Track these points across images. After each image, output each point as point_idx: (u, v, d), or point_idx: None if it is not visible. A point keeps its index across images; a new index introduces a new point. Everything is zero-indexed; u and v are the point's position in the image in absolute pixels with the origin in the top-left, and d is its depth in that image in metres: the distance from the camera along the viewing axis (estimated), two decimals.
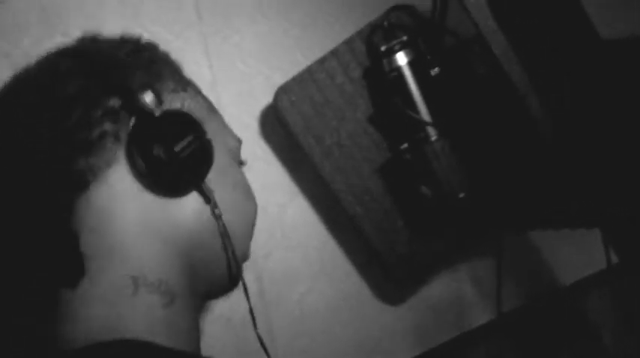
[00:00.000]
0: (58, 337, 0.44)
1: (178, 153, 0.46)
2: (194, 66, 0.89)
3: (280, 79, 0.95)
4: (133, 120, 0.47)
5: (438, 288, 1.01)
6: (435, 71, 0.68)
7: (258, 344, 0.72)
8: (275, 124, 0.95)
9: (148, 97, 0.46)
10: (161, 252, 0.46)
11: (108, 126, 0.46)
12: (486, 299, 0.99)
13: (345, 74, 0.83)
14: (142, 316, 0.43)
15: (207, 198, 0.48)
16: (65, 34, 0.82)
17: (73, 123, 0.45)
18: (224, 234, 0.50)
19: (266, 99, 0.92)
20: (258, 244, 0.94)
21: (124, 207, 0.46)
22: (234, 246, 0.51)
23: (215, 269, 0.52)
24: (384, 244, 0.85)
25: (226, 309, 0.91)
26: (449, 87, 0.69)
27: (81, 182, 0.45)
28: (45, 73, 0.49)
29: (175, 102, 0.50)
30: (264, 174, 0.93)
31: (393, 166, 0.79)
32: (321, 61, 0.84)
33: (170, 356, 0.43)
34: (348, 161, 0.84)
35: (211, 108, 0.55)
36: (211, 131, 0.51)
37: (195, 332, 0.49)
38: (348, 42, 0.82)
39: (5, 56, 0.78)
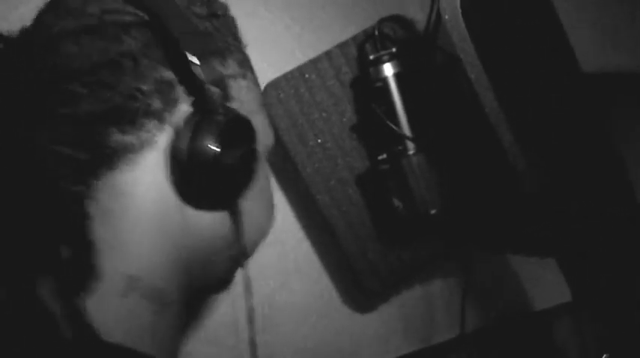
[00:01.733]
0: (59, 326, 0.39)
1: (227, 166, 0.39)
2: None
3: (274, 74, 0.95)
4: (187, 105, 0.41)
5: (407, 300, 1.01)
6: (420, 86, 0.68)
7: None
8: None
9: (216, 93, 0.39)
10: (166, 257, 0.41)
11: (156, 103, 0.40)
12: (454, 316, 0.99)
13: (336, 77, 0.83)
14: (128, 320, 0.39)
15: (236, 221, 0.43)
16: None
17: (116, 91, 0.38)
18: (239, 256, 0.46)
19: None
20: None
21: (144, 198, 0.40)
22: (244, 257, 0.47)
23: (213, 275, 0.48)
24: (356, 251, 0.86)
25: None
26: (432, 103, 0.69)
27: (110, 159, 0.39)
28: (97, 17, 0.39)
29: (231, 90, 0.43)
30: None
31: (371, 175, 0.79)
32: (314, 61, 0.84)
33: None
34: (329, 164, 0.84)
35: (262, 100, 0.49)
36: (258, 128, 0.44)
37: (179, 338, 0.45)
38: (342, 46, 0.82)
39: None
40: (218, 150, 0.39)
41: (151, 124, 0.40)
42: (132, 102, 0.38)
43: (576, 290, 0.58)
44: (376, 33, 0.76)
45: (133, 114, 0.39)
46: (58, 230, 0.41)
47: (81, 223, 0.39)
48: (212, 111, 0.39)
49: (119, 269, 0.39)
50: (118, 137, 0.39)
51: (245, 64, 0.46)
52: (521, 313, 1.05)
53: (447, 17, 0.55)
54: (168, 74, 0.40)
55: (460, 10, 0.56)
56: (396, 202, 0.72)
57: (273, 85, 0.83)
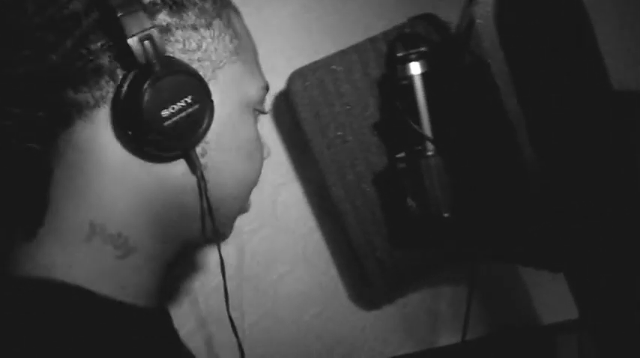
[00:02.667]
0: (17, 269, 0.43)
1: (165, 120, 0.40)
2: None
3: (302, 62, 0.95)
4: (130, 70, 0.41)
5: (412, 301, 1.01)
6: (445, 87, 0.67)
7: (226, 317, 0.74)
8: (284, 105, 0.95)
9: (147, 47, 0.40)
10: (131, 206, 0.44)
11: (106, 60, 0.41)
12: (457, 322, 0.99)
13: (363, 71, 0.82)
14: (89, 263, 0.43)
15: (194, 169, 0.45)
16: None
17: (67, 49, 0.40)
18: (207, 208, 0.47)
19: (282, 79, 0.92)
20: (247, 218, 0.95)
21: (105, 152, 0.43)
22: (220, 212, 0.48)
23: (191, 227, 0.49)
24: (365, 247, 0.85)
25: (201, 276, 0.93)
26: (455, 105, 0.68)
27: (66, 117, 0.42)
28: None
29: (190, 41, 0.44)
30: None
31: (388, 173, 0.79)
32: (342, 53, 0.83)
33: (102, 305, 0.43)
34: (348, 157, 0.84)
35: (239, 48, 0.48)
36: (228, 79, 0.46)
37: (150, 286, 0.48)
38: (372, 40, 0.82)
39: None
40: (152, 105, 0.40)
41: (103, 81, 0.41)
42: (80, 61, 0.40)
43: (583, 308, 0.58)
44: (407, 30, 0.75)
45: (83, 73, 0.41)
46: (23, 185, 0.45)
47: (46, 178, 0.43)
48: (146, 66, 0.40)
49: (83, 217, 0.43)
50: (71, 95, 0.41)
51: (211, 12, 0.46)
52: (526, 325, 1.04)
53: (479, 21, 0.54)
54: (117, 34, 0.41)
55: (493, 15, 0.55)
56: (410, 202, 0.71)
57: (299, 73, 0.83)
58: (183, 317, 0.91)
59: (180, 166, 0.45)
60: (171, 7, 0.43)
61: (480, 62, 0.58)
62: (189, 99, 0.42)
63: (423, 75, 0.70)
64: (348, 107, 0.82)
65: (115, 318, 0.44)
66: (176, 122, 0.41)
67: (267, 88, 0.53)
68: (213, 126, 0.45)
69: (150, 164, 0.44)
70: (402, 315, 1.02)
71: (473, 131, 0.68)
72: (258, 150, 0.51)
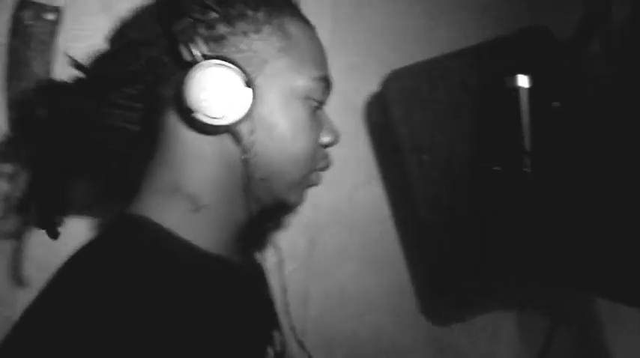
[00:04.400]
0: (134, 205, 0.58)
1: (204, 101, 0.53)
2: (316, 26, 0.90)
3: (396, 63, 0.94)
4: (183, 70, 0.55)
5: (480, 321, 0.99)
6: (554, 104, 0.65)
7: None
8: (376, 105, 0.95)
9: (186, 48, 0.54)
10: (200, 172, 0.57)
11: (174, 67, 0.55)
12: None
13: (461, 78, 0.81)
14: (173, 211, 0.57)
15: (237, 141, 0.56)
16: None
17: (151, 58, 0.56)
18: (249, 177, 0.58)
19: (374, 78, 0.92)
20: (322, 214, 0.96)
21: (180, 131, 0.57)
22: (272, 181, 0.59)
23: (247, 197, 0.60)
24: (441, 255, 0.84)
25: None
26: (561, 124, 0.66)
27: (156, 107, 0.57)
28: (138, 15, 0.60)
29: (241, 45, 0.56)
30: (350, 149, 0.94)
31: (479, 184, 0.77)
32: (442, 59, 0.82)
33: (181, 246, 0.56)
34: (436, 163, 0.82)
35: (288, 47, 0.59)
36: (274, 72, 0.57)
37: (221, 239, 0.60)
38: (476, 48, 0.80)
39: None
40: (195, 91, 0.53)
41: (173, 81, 0.55)
42: (161, 66, 0.56)
43: None
44: (516, 42, 0.73)
45: (164, 74, 0.56)
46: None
47: (145, 150, 0.59)
48: (188, 64, 0.53)
49: (169, 179, 0.57)
50: (159, 91, 0.56)
51: (260, 20, 0.57)
52: None
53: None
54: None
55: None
56: (510, 220, 0.69)
57: (397, 74, 0.83)
58: None
59: (233, 144, 0.57)
60: (227, 21, 0.56)
61: (597, 83, 0.56)
62: (226, 85, 0.53)
63: (530, 89, 0.68)
64: (442, 112, 0.81)
65: (188, 254, 0.56)
66: (216, 102, 0.53)
67: (324, 81, 0.61)
68: (260, 109, 0.56)
69: (209, 138, 0.56)
70: (465, 331, 1.00)
71: (576, 153, 0.65)
72: (305, 133, 0.59)
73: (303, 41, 0.60)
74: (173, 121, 0.57)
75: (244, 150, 0.56)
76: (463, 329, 1.00)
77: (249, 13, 0.57)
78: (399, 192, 0.97)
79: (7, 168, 0.78)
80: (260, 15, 0.58)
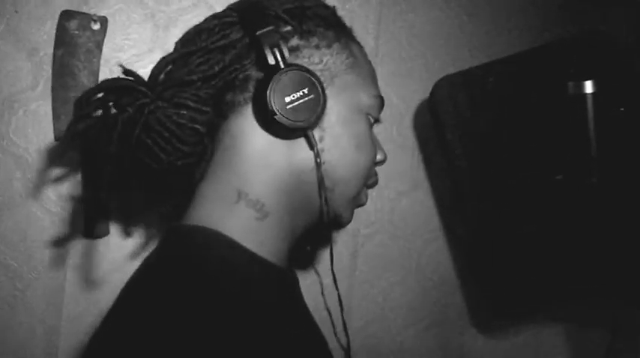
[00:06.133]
0: (188, 215, 0.58)
1: (287, 104, 0.55)
2: (361, 31, 0.88)
3: (440, 69, 0.92)
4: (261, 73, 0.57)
5: (523, 332, 0.97)
6: (621, 110, 0.63)
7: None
8: (422, 111, 0.93)
9: (277, 53, 0.56)
10: (267, 179, 0.57)
11: (253, 71, 0.58)
12: None
13: (514, 84, 0.79)
14: (237, 220, 0.56)
15: (311, 145, 0.57)
16: None
17: (226, 64, 0.57)
18: (320, 181, 0.58)
19: (419, 84, 0.90)
20: (364, 222, 0.94)
21: (251, 136, 0.58)
22: (335, 193, 0.60)
23: (311, 204, 0.60)
24: (491, 264, 0.81)
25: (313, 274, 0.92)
26: (629, 130, 0.64)
27: (225, 112, 0.59)
28: (214, 22, 0.60)
29: (314, 57, 0.59)
30: (394, 157, 0.92)
31: (538, 192, 0.75)
32: (493, 64, 0.80)
33: (247, 257, 0.54)
34: (487, 170, 0.80)
35: (354, 64, 0.62)
36: (342, 85, 0.60)
37: (281, 249, 0.59)
38: (530, 52, 0.78)
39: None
40: (278, 94, 0.55)
41: (250, 86, 0.58)
42: (235, 72, 0.58)
43: None
44: (573, 46, 0.71)
45: (237, 80, 0.58)
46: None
47: (209, 154, 0.60)
48: (272, 69, 0.55)
49: (233, 186, 0.57)
50: (229, 97, 0.58)
51: (331, 37, 0.61)
52: None
53: None
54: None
55: None
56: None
57: (448, 80, 0.81)
58: None
59: (302, 151, 0.58)
60: (301, 35, 0.59)
61: None
62: (305, 91, 0.55)
63: (595, 95, 0.66)
64: (493, 119, 0.79)
65: (256, 267, 0.55)
66: (296, 106, 0.55)
67: (380, 100, 0.64)
68: (329, 118, 0.58)
69: (280, 144, 0.57)
70: (510, 346, 0.97)
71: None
72: (367, 146, 0.61)
73: (363, 61, 0.64)
74: (242, 125, 0.58)
75: (317, 154, 0.57)
76: (508, 348, 0.98)
77: (321, 30, 0.60)
78: (444, 201, 0.95)
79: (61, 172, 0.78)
80: (330, 33, 0.61)
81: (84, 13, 0.76)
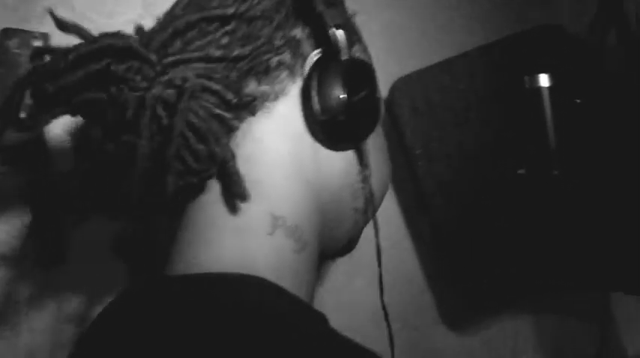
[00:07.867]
0: (188, 259, 0.42)
1: (354, 106, 0.43)
2: None
3: (397, 71, 0.91)
4: (314, 56, 0.44)
5: (502, 331, 0.97)
6: (577, 101, 0.63)
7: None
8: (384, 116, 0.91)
9: (341, 35, 0.42)
10: (304, 199, 0.44)
11: (287, 56, 0.44)
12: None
13: (471, 81, 0.79)
14: (273, 257, 0.41)
15: (362, 160, 0.47)
16: None
17: (257, 44, 0.43)
18: (368, 199, 0.48)
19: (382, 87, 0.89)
20: None
21: (281, 142, 0.44)
22: (372, 207, 0.50)
23: (341, 228, 0.49)
24: (462, 260, 0.81)
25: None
26: (584, 125, 0.65)
27: (248, 107, 0.43)
28: None
29: (355, 50, 0.47)
30: None
31: (503, 188, 0.75)
32: (449, 62, 0.80)
33: (294, 304, 0.40)
34: (448, 170, 0.80)
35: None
36: None
37: (314, 283, 0.47)
38: (484, 48, 0.78)
39: None
40: (343, 94, 0.42)
41: (283, 75, 0.44)
42: (266, 55, 0.43)
43: None
44: (527, 40, 0.72)
45: (266, 66, 0.43)
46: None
47: (228, 162, 0.42)
48: (336, 58, 0.43)
49: (263, 209, 0.42)
50: (254, 86, 0.43)
51: (357, 30, 0.50)
52: None
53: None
54: (296, 32, 0.44)
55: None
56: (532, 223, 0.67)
57: (404, 81, 0.80)
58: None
59: (341, 162, 0.46)
60: (344, 14, 0.47)
61: (618, 82, 0.55)
62: (368, 92, 0.44)
63: (551, 88, 0.66)
64: (452, 118, 0.79)
65: (307, 318, 0.40)
66: (360, 111, 0.43)
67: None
68: None
69: (320, 151, 0.45)
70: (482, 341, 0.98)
71: (599, 154, 0.64)
72: (388, 160, 0.54)
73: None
74: (271, 130, 0.44)
75: (365, 168, 0.46)
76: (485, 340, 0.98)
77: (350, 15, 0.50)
78: (411, 202, 0.94)
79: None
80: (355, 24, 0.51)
81: (24, 31, 0.73)
